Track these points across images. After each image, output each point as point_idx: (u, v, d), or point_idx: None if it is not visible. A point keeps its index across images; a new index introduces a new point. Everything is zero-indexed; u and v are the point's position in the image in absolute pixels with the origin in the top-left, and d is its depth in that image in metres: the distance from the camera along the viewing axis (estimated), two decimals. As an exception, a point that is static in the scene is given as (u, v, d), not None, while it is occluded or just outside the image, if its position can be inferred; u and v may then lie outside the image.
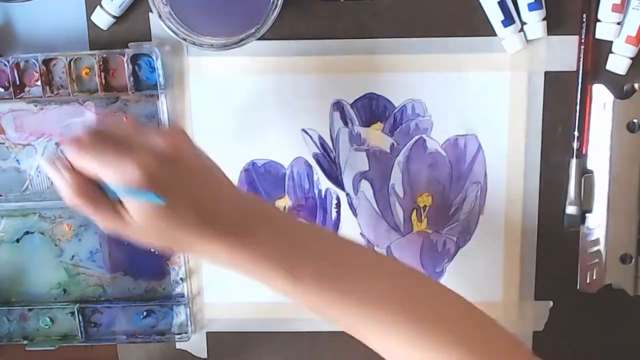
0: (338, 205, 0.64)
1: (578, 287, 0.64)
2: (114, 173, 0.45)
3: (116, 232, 0.48)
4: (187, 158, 0.48)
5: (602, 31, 0.59)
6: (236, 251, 0.48)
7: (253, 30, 0.56)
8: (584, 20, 0.59)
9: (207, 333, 0.67)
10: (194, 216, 0.47)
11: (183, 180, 0.47)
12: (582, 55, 0.60)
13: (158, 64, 0.60)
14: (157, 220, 0.46)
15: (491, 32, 0.60)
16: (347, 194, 0.64)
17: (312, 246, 0.50)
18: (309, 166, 0.64)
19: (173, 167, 0.47)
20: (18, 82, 0.61)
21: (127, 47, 0.61)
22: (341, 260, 0.50)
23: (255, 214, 0.49)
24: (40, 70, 0.60)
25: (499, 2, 0.58)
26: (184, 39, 0.56)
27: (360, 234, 0.65)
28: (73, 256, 0.66)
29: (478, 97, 0.62)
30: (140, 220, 0.46)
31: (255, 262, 0.48)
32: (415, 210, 0.64)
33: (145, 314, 0.66)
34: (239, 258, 0.48)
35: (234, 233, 0.47)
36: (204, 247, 0.47)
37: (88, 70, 0.61)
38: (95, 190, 0.46)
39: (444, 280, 0.65)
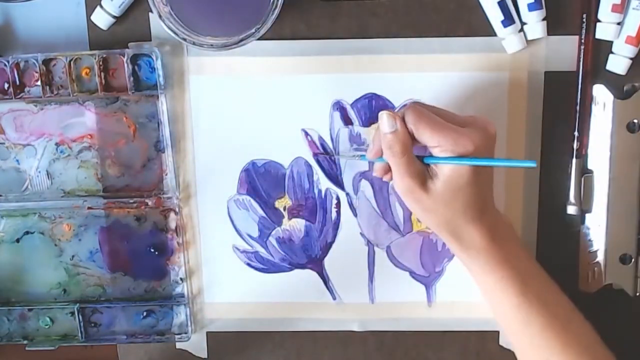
0: (338, 205, 0.64)
1: (578, 287, 0.64)
2: (452, 144, 0.53)
3: (409, 193, 0.55)
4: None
5: (602, 31, 0.59)
6: (489, 249, 0.55)
7: (253, 30, 0.56)
8: (584, 20, 0.59)
9: (207, 333, 0.67)
10: (482, 203, 0.55)
11: (489, 169, 0.56)
12: (582, 55, 0.60)
13: (158, 64, 0.60)
14: (461, 184, 0.54)
15: (491, 32, 0.60)
16: (347, 194, 0.64)
17: (543, 277, 0.58)
18: (309, 166, 0.64)
19: (490, 153, 0.55)
20: (18, 82, 0.61)
21: (127, 47, 0.61)
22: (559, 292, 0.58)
23: (508, 226, 0.58)
24: (40, 70, 0.60)
25: (499, 2, 0.58)
26: (184, 39, 0.56)
27: (360, 234, 0.65)
28: (73, 256, 0.66)
29: (478, 97, 0.62)
30: (445, 183, 0.54)
31: (496, 264, 0.56)
32: (415, 210, 0.64)
33: (145, 314, 0.66)
34: (486, 256, 0.56)
35: (495, 234, 0.56)
36: (462, 230, 0.55)
37: (88, 70, 0.61)
38: (412, 151, 0.54)
39: (444, 280, 0.65)
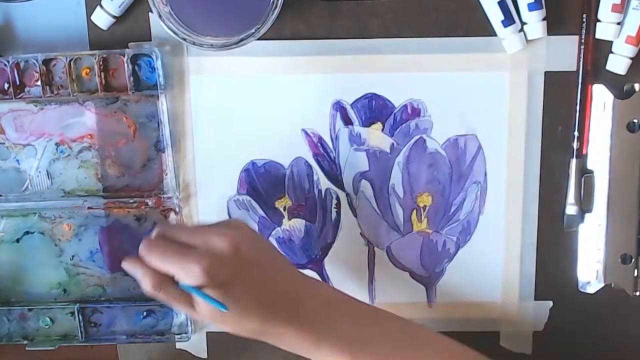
0: (338, 205, 0.64)
1: (578, 287, 0.64)
2: (180, 273, 0.51)
3: (210, 319, 0.53)
4: (246, 254, 0.53)
5: (602, 31, 0.59)
6: (299, 336, 0.53)
7: (253, 30, 0.56)
8: (584, 20, 0.59)
9: (207, 333, 0.67)
10: (256, 308, 0.52)
11: (243, 276, 0.52)
12: (582, 55, 0.60)
13: (158, 64, 0.60)
14: (221, 318, 0.52)
15: (491, 32, 0.60)
16: (347, 194, 0.64)
17: (369, 328, 0.56)
18: (309, 166, 0.64)
19: (232, 265, 0.52)
20: (18, 82, 0.61)
21: (127, 47, 0.61)
22: (397, 340, 0.56)
23: (317, 299, 0.55)
24: (40, 70, 0.60)
25: (499, 2, 0.58)
26: (184, 39, 0.56)
27: (360, 234, 0.65)
28: (73, 256, 0.66)
29: (478, 97, 0.62)
30: (208, 316, 0.52)
31: (318, 346, 0.53)
32: (415, 210, 0.64)
33: (145, 314, 0.66)
34: (301, 342, 0.53)
35: (296, 320, 0.53)
36: (270, 333, 0.53)
37: (88, 70, 0.61)
38: (170, 284, 0.52)
39: (444, 280, 0.65)
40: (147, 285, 0.53)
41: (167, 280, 0.53)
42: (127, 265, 0.54)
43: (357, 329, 0.55)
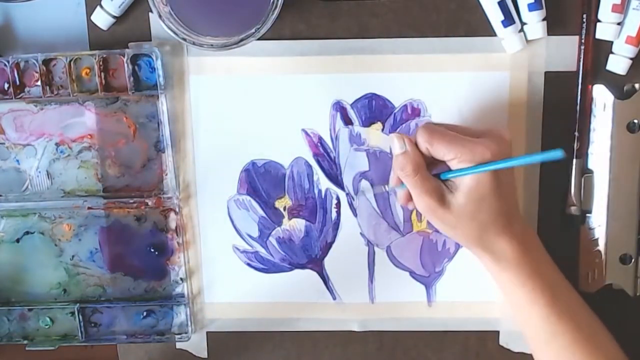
0: (338, 205, 0.64)
1: (578, 288, 0.64)
2: (469, 154, 0.53)
3: (430, 211, 0.55)
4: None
5: (602, 31, 0.59)
6: (514, 255, 0.55)
7: (253, 31, 0.56)
8: (584, 20, 0.59)
9: (207, 333, 0.67)
10: (499, 208, 0.54)
11: (510, 177, 0.56)
12: (582, 55, 0.60)
13: (158, 64, 0.60)
14: (484, 193, 0.54)
15: (491, 32, 0.60)
16: (347, 194, 0.64)
17: (571, 291, 0.58)
18: (309, 166, 0.64)
19: (506, 157, 0.54)
20: (18, 82, 0.61)
21: (127, 47, 0.61)
22: (588, 316, 0.58)
23: (534, 236, 0.58)
24: (40, 70, 0.60)
25: (499, 2, 0.58)
26: (184, 39, 0.56)
27: (360, 234, 0.65)
28: (73, 256, 0.66)
29: (478, 97, 0.62)
30: (466, 195, 0.54)
31: (527, 274, 0.56)
32: (415, 210, 0.64)
33: (145, 314, 0.66)
34: (517, 268, 0.55)
35: (517, 239, 0.55)
36: (490, 241, 0.55)
37: (88, 71, 0.61)
38: (426, 170, 0.55)
39: (444, 280, 0.65)
40: (407, 164, 0.55)
41: (424, 166, 0.55)
42: (396, 136, 0.56)
43: (561, 281, 0.58)
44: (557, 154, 0.47)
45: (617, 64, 0.60)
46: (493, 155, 0.53)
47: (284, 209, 0.64)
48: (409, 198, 0.57)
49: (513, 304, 0.58)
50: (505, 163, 0.53)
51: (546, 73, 0.61)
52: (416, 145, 0.56)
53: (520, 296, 0.56)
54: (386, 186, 0.62)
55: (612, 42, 0.60)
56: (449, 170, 0.55)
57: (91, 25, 0.61)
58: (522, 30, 0.60)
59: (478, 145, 0.53)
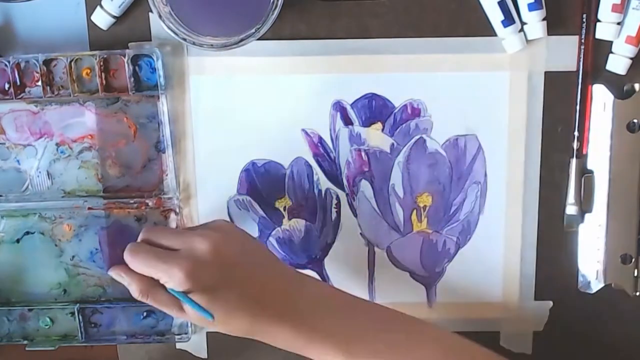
0: (338, 205, 0.64)
1: (578, 287, 0.64)
2: (164, 278, 0.53)
3: (197, 322, 0.55)
4: (227, 254, 0.54)
5: (602, 31, 0.59)
6: (291, 333, 0.53)
7: (253, 31, 0.56)
8: (584, 20, 0.59)
9: (207, 333, 0.67)
10: (243, 308, 0.53)
11: (227, 278, 0.53)
12: (582, 55, 0.60)
13: (159, 65, 0.60)
14: (210, 321, 0.53)
15: (491, 32, 0.60)
16: (347, 194, 0.64)
17: (364, 323, 0.55)
18: (309, 166, 0.64)
19: (215, 266, 0.53)
20: (19, 83, 0.61)
21: (127, 47, 0.61)
22: (394, 336, 0.55)
23: (308, 295, 0.55)
24: (40, 70, 0.60)
25: (499, 2, 0.58)
26: (184, 39, 0.56)
27: (360, 234, 0.65)
28: (73, 256, 0.66)
29: (478, 97, 0.62)
30: (197, 320, 0.54)
31: (311, 342, 0.53)
32: (415, 210, 0.64)
33: (145, 314, 0.66)
34: (293, 339, 0.54)
35: (287, 317, 0.54)
36: (261, 331, 0.54)
37: (89, 71, 0.61)
38: (159, 289, 0.54)
39: (444, 280, 0.65)
40: (134, 291, 0.55)
41: (155, 286, 0.54)
42: (113, 273, 0.57)
43: (351, 325, 0.55)
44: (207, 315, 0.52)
45: (617, 63, 0.60)
46: (188, 277, 0.52)
47: (284, 209, 0.64)
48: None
49: None
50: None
51: (546, 73, 0.61)
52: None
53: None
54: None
55: (612, 42, 0.60)
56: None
57: (91, 25, 0.61)
58: (522, 30, 0.60)
59: (171, 268, 0.52)
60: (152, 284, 0.54)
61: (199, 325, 0.57)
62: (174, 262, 0.52)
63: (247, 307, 0.53)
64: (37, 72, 0.61)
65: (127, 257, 0.54)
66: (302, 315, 0.54)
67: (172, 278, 0.52)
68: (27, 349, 0.66)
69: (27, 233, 0.65)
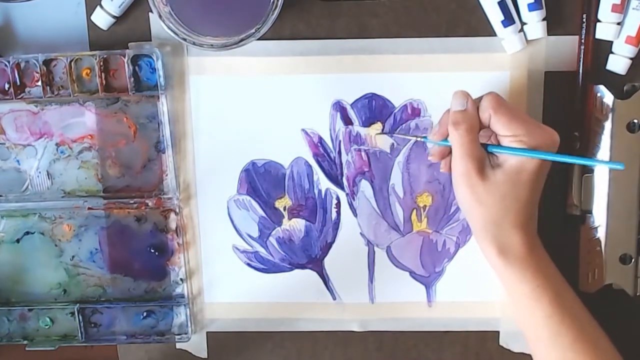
0: (338, 205, 0.64)
1: (578, 287, 0.64)
2: (528, 135, 0.53)
3: (464, 176, 0.54)
4: None
5: (602, 31, 0.59)
6: (527, 257, 0.55)
7: (253, 31, 0.56)
8: (584, 20, 0.59)
9: (207, 333, 0.67)
10: (531, 208, 0.55)
11: (545, 175, 0.56)
12: (582, 55, 0.60)
13: (159, 65, 0.60)
14: (523, 180, 0.54)
15: (491, 32, 0.60)
16: (347, 194, 0.64)
17: (573, 298, 0.58)
18: (309, 166, 0.64)
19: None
20: (19, 83, 0.61)
21: (127, 48, 0.61)
22: (590, 324, 0.57)
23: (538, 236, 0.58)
24: (40, 70, 0.60)
25: (499, 2, 0.58)
26: (184, 39, 0.56)
27: (360, 234, 0.65)
28: (73, 256, 0.66)
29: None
30: (506, 175, 0.54)
31: (532, 273, 0.55)
32: (415, 210, 0.64)
33: (145, 314, 0.66)
34: (523, 264, 0.55)
35: (534, 242, 0.56)
36: (510, 239, 0.55)
37: (89, 71, 0.61)
38: (477, 135, 0.54)
39: (444, 280, 0.65)
40: (464, 122, 0.54)
41: (477, 130, 0.55)
42: (461, 93, 0.55)
43: (564, 281, 0.57)
44: (619, 165, 0.51)
45: (617, 63, 0.60)
46: (550, 145, 0.54)
47: (284, 209, 0.64)
48: (444, 156, 0.57)
49: (515, 301, 0.57)
50: (563, 158, 0.54)
51: (546, 73, 0.61)
52: (477, 109, 0.55)
53: (524, 293, 0.55)
54: (421, 137, 0.60)
55: (612, 42, 0.60)
56: (497, 145, 0.55)
57: (91, 25, 0.61)
58: (522, 30, 0.60)
59: (540, 130, 0.54)
60: (476, 126, 0.54)
61: (461, 192, 0.56)
62: (542, 129, 0.54)
63: (527, 203, 0.55)
64: (37, 72, 0.61)
65: (496, 98, 0.54)
66: (535, 247, 0.56)
67: (546, 138, 0.54)
68: (27, 349, 0.66)
69: (27, 233, 0.65)
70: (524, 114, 0.55)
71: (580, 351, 0.55)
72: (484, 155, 0.55)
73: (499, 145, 0.55)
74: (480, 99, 0.55)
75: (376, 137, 0.63)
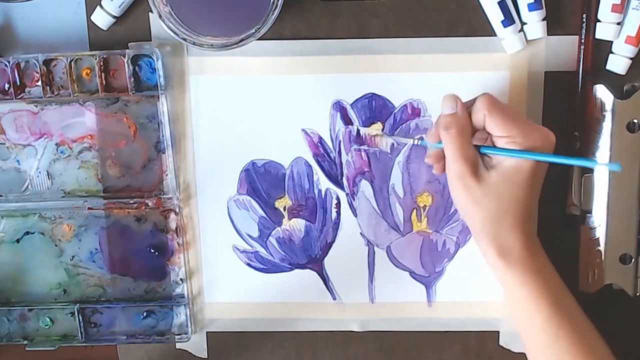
0: (338, 205, 0.64)
1: (578, 287, 0.64)
2: (523, 136, 0.53)
3: (459, 178, 0.54)
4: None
5: (602, 31, 0.59)
6: (526, 259, 0.55)
7: (253, 31, 0.56)
8: (584, 20, 0.59)
9: (207, 333, 0.67)
10: (529, 208, 0.55)
11: (543, 175, 0.56)
12: (582, 55, 0.60)
13: (159, 65, 0.60)
14: (518, 180, 0.54)
15: (491, 32, 0.60)
16: (347, 194, 0.64)
17: (572, 301, 0.57)
18: (309, 166, 0.64)
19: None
20: (19, 83, 0.61)
21: (127, 48, 0.61)
22: (586, 325, 0.57)
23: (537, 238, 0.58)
24: (40, 70, 0.60)
25: (499, 2, 0.58)
26: (184, 39, 0.56)
27: (360, 234, 0.65)
28: (73, 256, 0.66)
29: (478, 97, 0.62)
30: (501, 176, 0.53)
31: (530, 275, 0.55)
32: (415, 210, 0.64)
33: (145, 314, 0.66)
34: (522, 266, 0.55)
35: (533, 244, 0.56)
36: (508, 241, 0.55)
37: (89, 71, 0.61)
38: (470, 137, 0.54)
39: (444, 280, 0.65)
40: (454, 125, 0.54)
41: (469, 132, 0.54)
42: (450, 97, 0.55)
43: (562, 284, 0.57)
44: (616, 167, 0.51)
45: (617, 63, 0.60)
46: (546, 146, 0.53)
47: (284, 209, 0.64)
48: (439, 159, 0.57)
49: (514, 304, 0.57)
50: (556, 159, 0.53)
51: (546, 73, 0.61)
52: (468, 111, 0.55)
53: (523, 295, 0.55)
54: (418, 139, 0.59)
55: (612, 42, 0.60)
56: (491, 146, 0.55)
57: (91, 25, 0.61)
58: (522, 30, 0.60)
59: (535, 130, 0.54)
60: (468, 129, 0.54)
61: (457, 194, 0.56)
62: (537, 130, 0.54)
63: (525, 204, 0.55)
64: (37, 72, 0.61)
65: (490, 99, 0.54)
66: (534, 249, 0.56)
67: (539, 139, 0.53)
68: (27, 349, 0.66)
69: (27, 233, 0.65)
70: (519, 114, 0.55)
71: (576, 355, 0.55)
72: (477, 156, 0.55)
73: (492, 146, 0.55)
74: (474, 100, 0.55)
75: (376, 137, 0.63)
